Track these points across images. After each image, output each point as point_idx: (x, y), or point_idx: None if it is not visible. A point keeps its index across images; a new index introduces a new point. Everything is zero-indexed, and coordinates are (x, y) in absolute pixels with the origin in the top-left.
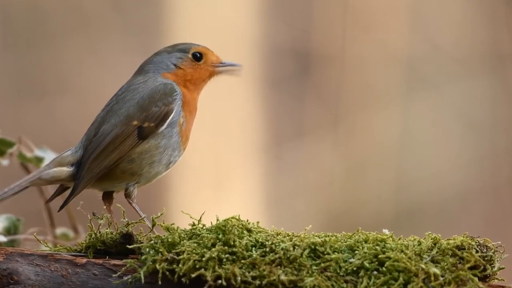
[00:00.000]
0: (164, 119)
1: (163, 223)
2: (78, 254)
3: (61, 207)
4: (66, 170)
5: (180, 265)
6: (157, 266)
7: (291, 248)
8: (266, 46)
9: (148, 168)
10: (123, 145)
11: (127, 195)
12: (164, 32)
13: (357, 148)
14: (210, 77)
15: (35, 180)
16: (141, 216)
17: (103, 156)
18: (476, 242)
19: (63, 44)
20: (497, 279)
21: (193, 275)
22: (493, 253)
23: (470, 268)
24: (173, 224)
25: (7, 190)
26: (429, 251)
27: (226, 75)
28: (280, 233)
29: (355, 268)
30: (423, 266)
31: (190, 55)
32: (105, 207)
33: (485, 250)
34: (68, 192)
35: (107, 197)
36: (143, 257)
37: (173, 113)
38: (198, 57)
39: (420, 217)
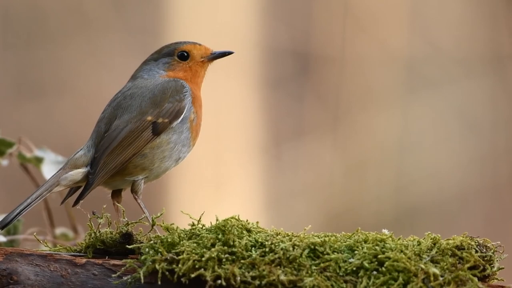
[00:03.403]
0: (178, 115)
1: (163, 223)
2: (78, 254)
3: (76, 202)
4: (82, 171)
5: (179, 265)
6: (157, 266)
7: (291, 248)
8: (266, 46)
9: (159, 163)
10: (138, 140)
11: (134, 190)
12: (164, 32)
13: (357, 148)
14: (204, 70)
15: (54, 186)
16: (144, 213)
17: (118, 150)
18: (475, 242)
19: (63, 44)
20: (496, 279)
21: (192, 275)
22: (493, 253)
23: (470, 268)
24: (173, 224)
25: (31, 202)
26: (428, 251)
27: (219, 58)
28: (279, 233)
29: (354, 268)
30: (422, 266)
31: (176, 57)
32: (106, 205)
33: (484, 250)
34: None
35: (116, 195)
36: (142, 257)
37: (185, 110)
38: (185, 56)
39: (420, 217)
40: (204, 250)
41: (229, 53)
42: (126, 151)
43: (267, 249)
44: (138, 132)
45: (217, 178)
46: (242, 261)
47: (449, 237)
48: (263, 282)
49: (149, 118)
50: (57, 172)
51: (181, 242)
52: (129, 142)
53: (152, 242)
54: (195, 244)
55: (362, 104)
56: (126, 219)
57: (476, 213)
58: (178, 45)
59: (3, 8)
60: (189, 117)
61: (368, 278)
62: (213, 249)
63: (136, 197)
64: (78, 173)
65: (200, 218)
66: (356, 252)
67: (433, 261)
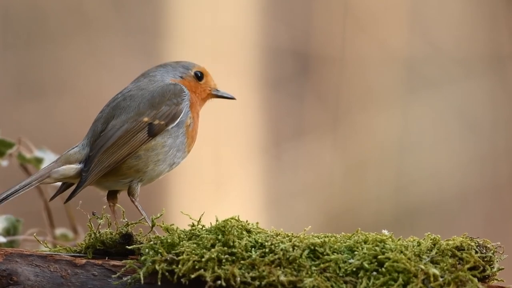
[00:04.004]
0: (174, 118)
1: (163, 224)
2: (78, 254)
3: (68, 199)
4: (75, 167)
5: (179, 266)
6: (157, 267)
7: (291, 249)
8: (266, 46)
9: (153, 166)
10: (133, 141)
11: (130, 193)
12: (164, 32)
13: (357, 148)
14: (206, 100)
15: (44, 177)
16: (142, 215)
17: (113, 149)
18: (475, 243)
19: (63, 44)
20: (496, 279)
21: (192, 276)
22: (493, 253)
23: (470, 269)
24: (173, 224)
25: (19, 189)
26: (428, 251)
27: (220, 98)
28: (279, 233)
29: (354, 269)
30: (422, 266)
31: (192, 73)
32: (106, 206)
33: (484, 251)
34: (68, 189)
35: (111, 197)
36: (142, 258)
37: (181, 114)
38: (199, 76)
39: (420, 217)
40: (204, 250)
41: (232, 98)
42: (121, 150)
43: (267, 250)
44: (134, 132)
45: (217, 178)
46: (242, 261)
47: (449, 237)
48: (263, 283)
49: (146, 119)
50: (49, 164)
51: (181, 242)
52: (124, 141)
53: (152, 242)
54: (195, 245)
55: (362, 104)
56: (126, 219)
57: (476, 213)
58: (196, 65)
59: (3, 8)
60: (185, 122)
61: (368, 278)
62: (213, 250)
63: (133, 199)
64: (70, 169)
65: (200, 219)
66: (356, 252)
67: (433, 261)
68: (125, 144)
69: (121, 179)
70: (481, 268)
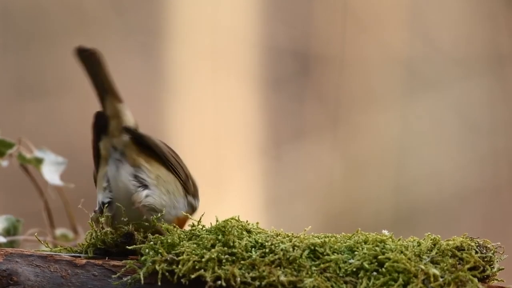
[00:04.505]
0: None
1: (163, 224)
2: (78, 254)
3: None
4: None
5: (179, 266)
6: (157, 267)
7: (291, 249)
8: (266, 46)
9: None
10: None
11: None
12: (164, 32)
13: (357, 148)
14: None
15: None
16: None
17: None
18: (475, 243)
19: (63, 44)
20: (496, 280)
21: (192, 276)
22: (493, 254)
23: (470, 269)
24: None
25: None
26: (428, 252)
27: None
28: (279, 234)
29: (354, 269)
30: (422, 267)
31: None
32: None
33: (484, 251)
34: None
35: None
36: (142, 258)
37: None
38: None
39: (420, 217)
40: (204, 251)
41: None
42: None
43: (267, 250)
44: None
45: (217, 178)
46: (242, 262)
47: (449, 237)
48: (263, 283)
49: None
50: None
51: (181, 243)
52: None
53: (152, 243)
54: (195, 245)
55: (362, 104)
56: (127, 219)
57: (476, 213)
58: None
59: (3, 8)
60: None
61: (368, 279)
62: (213, 250)
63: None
64: None
65: (200, 219)
66: (356, 253)
67: (433, 262)
68: None
69: None
70: (481, 268)
